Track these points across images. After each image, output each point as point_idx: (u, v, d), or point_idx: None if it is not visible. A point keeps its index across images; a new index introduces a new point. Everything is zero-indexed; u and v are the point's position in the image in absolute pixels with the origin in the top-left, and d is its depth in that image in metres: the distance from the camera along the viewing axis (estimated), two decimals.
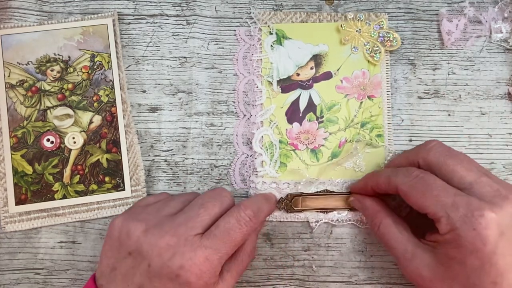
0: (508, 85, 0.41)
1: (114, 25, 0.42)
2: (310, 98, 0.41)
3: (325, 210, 0.39)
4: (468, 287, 0.29)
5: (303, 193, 0.39)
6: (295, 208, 0.39)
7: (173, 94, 0.42)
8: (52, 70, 0.41)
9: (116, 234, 0.32)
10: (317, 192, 0.39)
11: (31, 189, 0.39)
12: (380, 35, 0.42)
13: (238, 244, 0.33)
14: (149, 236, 0.31)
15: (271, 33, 0.42)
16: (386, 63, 0.42)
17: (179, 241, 0.30)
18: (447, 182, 0.31)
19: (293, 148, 0.40)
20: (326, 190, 0.39)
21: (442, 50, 0.42)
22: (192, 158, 0.41)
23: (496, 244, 0.28)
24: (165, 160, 0.41)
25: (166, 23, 0.43)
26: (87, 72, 0.41)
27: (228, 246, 0.32)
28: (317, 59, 0.42)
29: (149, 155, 0.41)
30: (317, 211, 0.39)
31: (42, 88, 0.41)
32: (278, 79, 0.41)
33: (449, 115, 0.41)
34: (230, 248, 0.32)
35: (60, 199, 0.39)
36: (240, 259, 0.34)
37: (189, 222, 0.32)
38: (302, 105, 0.41)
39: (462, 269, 0.29)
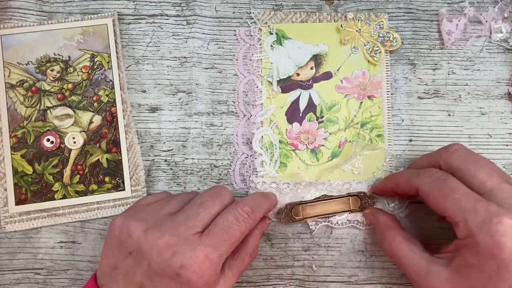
0: (508, 85, 0.41)
1: (114, 25, 0.42)
2: (310, 98, 0.41)
3: (326, 216, 0.39)
4: None
5: (302, 201, 0.39)
6: (296, 218, 0.38)
7: (173, 94, 0.42)
8: (52, 70, 0.41)
9: (117, 234, 0.32)
10: (316, 198, 0.39)
11: (31, 189, 0.39)
12: (380, 35, 0.42)
13: (237, 241, 0.33)
14: (149, 235, 0.31)
15: (271, 33, 0.42)
16: (386, 63, 0.42)
17: (179, 240, 0.30)
18: (468, 186, 0.31)
19: (293, 148, 0.40)
20: (325, 195, 0.39)
21: (442, 50, 0.42)
22: (192, 158, 0.41)
23: None
24: (165, 160, 0.41)
25: (166, 23, 0.43)
26: (87, 72, 0.41)
27: (228, 243, 0.32)
28: (317, 59, 0.42)
29: (149, 155, 0.41)
30: (317, 218, 0.39)
31: (42, 88, 0.41)
32: (278, 79, 0.41)
33: (449, 115, 0.41)
34: (229, 246, 0.32)
35: (60, 199, 0.39)
36: (242, 257, 0.34)
37: (189, 221, 0.32)
38: (302, 105, 0.41)
39: (480, 276, 0.29)
